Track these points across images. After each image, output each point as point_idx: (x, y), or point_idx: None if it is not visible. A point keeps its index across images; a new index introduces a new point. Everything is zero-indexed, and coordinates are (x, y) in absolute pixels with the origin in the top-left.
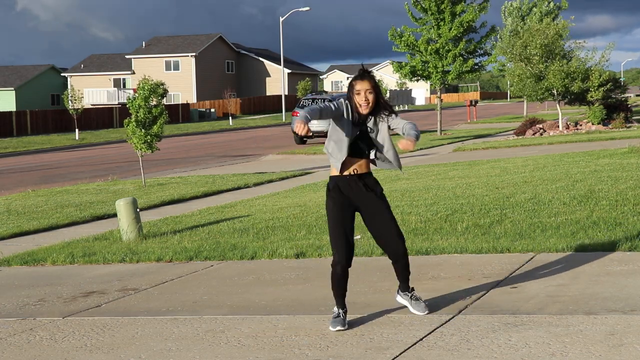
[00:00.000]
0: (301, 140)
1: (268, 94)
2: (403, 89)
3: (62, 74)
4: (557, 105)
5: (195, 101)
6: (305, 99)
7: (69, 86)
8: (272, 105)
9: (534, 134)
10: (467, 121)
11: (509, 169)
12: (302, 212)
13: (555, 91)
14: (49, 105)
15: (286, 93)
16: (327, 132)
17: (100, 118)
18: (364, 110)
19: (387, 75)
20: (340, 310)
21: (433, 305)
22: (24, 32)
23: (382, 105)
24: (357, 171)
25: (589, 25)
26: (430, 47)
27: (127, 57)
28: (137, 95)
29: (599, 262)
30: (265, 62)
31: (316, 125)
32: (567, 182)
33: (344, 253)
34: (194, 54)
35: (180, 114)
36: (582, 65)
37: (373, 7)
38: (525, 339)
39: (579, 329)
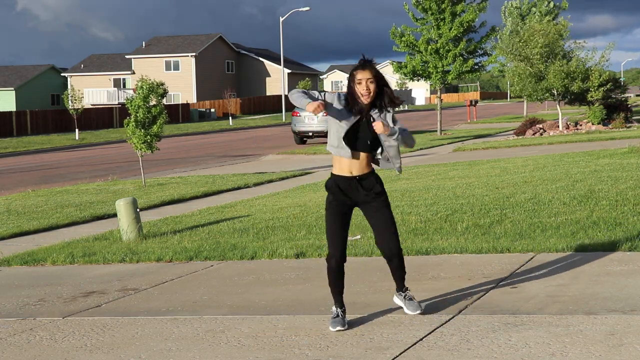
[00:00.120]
0: (301, 140)
1: (268, 94)
2: (403, 89)
3: (62, 74)
4: (557, 105)
5: (195, 101)
6: None
7: (69, 86)
8: (272, 105)
9: (534, 134)
10: (467, 121)
11: (509, 169)
12: (302, 212)
13: (555, 91)
14: (49, 105)
15: (286, 93)
16: (327, 132)
17: (100, 118)
18: (365, 99)
19: (387, 75)
20: (339, 310)
21: (433, 305)
22: (24, 32)
23: (386, 95)
24: (356, 171)
25: (589, 25)
26: (430, 47)
27: (127, 57)
28: (135, 95)
29: (599, 262)
30: (265, 62)
31: (316, 125)
32: (567, 182)
33: (337, 246)
34: (194, 54)
35: (180, 114)
36: (582, 65)
37: (373, 7)
38: (525, 339)
39: (579, 329)
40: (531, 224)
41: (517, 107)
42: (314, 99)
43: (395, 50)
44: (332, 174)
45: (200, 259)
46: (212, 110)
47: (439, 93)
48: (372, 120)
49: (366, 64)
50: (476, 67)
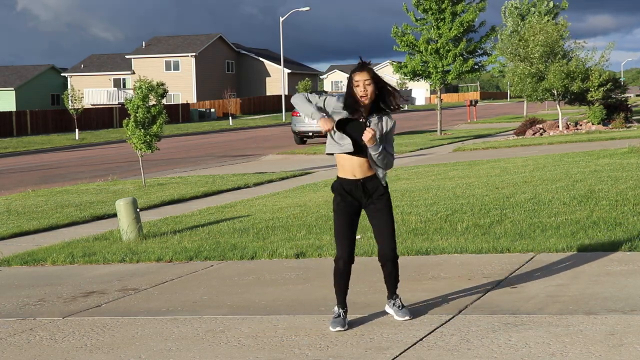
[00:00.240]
0: (301, 140)
1: (268, 94)
2: (403, 89)
3: (62, 74)
4: (557, 105)
5: (195, 101)
6: None
7: (69, 86)
8: (272, 105)
9: (534, 134)
10: (467, 121)
11: (509, 169)
12: (302, 212)
13: (555, 91)
14: (49, 105)
15: (286, 93)
16: (327, 132)
17: (100, 118)
18: (364, 100)
19: (387, 76)
20: (341, 310)
21: (433, 305)
22: (24, 32)
23: (388, 95)
24: (359, 174)
25: (589, 25)
26: (430, 47)
27: (127, 57)
28: (134, 95)
29: (599, 262)
30: (265, 62)
31: (316, 125)
32: (567, 182)
33: (345, 248)
34: (194, 54)
35: (180, 114)
36: (582, 65)
37: (373, 7)
38: (525, 339)
39: (579, 329)
40: (531, 224)
41: (517, 107)
42: (319, 108)
43: (395, 50)
44: (337, 176)
45: (200, 259)
46: (212, 110)
47: (439, 93)
48: (368, 125)
49: (363, 66)
50: (476, 67)
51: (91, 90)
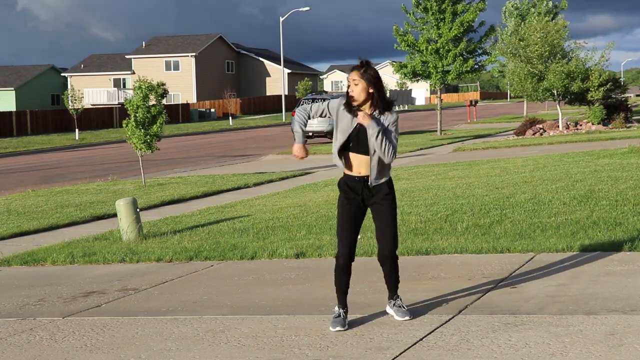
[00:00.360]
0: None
1: (268, 94)
2: (403, 89)
3: (62, 74)
4: (557, 105)
5: (195, 101)
6: (305, 99)
7: (69, 86)
8: (272, 105)
9: (534, 134)
10: (467, 121)
11: (509, 169)
12: (302, 212)
13: (555, 91)
14: (49, 105)
15: (286, 93)
16: (326, 132)
17: (100, 118)
18: (353, 102)
19: (387, 75)
20: (341, 310)
21: (433, 305)
22: (24, 32)
23: (378, 99)
24: (364, 172)
25: (589, 25)
26: (430, 47)
27: (127, 57)
28: (134, 95)
29: (599, 262)
30: (265, 62)
31: (316, 125)
32: (567, 182)
33: (346, 245)
34: (194, 54)
35: (180, 114)
36: (582, 65)
37: (373, 7)
38: (525, 339)
39: (579, 329)
40: (531, 224)
41: (517, 107)
42: (321, 114)
43: (396, 48)
44: (343, 173)
45: (200, 259)
46: (212, 110)
47: (439, 93)
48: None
49: (355, 66)
50: (476, 66)
51: (91, 90)
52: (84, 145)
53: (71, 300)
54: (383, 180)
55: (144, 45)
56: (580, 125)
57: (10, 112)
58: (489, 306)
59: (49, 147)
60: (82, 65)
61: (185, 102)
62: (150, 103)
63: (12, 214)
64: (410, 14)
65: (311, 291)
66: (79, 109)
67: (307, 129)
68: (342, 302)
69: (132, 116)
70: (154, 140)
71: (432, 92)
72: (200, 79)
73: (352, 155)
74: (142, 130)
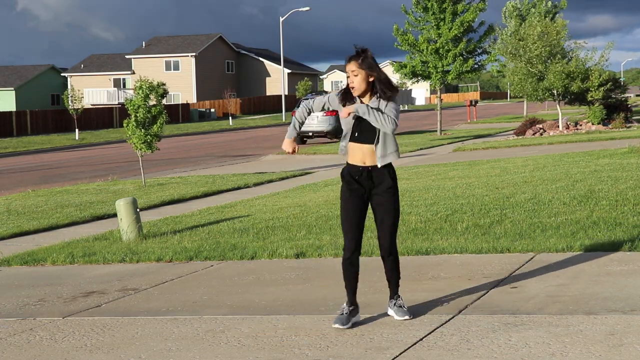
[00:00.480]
0: (301, 140)
1: (268, 94)
2: (403, 89)
3: (62, 74)
4: (557, 105)
5: (195, 101)
6: (305, 99)
7: (69, 86)
8: (272, 105)
9: (534, 134)
10: (467, 121)
11: (509, 169)
12: (302, 212)
13: (555, 91)
14: (49, 105)
15: (286, 93)
16: (326, 132)
17: (100, 118)
18: (354, 92)
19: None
20: (347, 308)
21: (433, 305)
22: (24, 32)
23: (378, 86)
24: (369, 162)
25: (589, 25)
26: (430, 47)
27: (127, 57)
28: (135, 95)
29: (599, 262)
30: (265, 62)
31: (316, 125)
32: (567, 182)
33: (350, 236)
34: (194, 54)
35: (180, 114)
36: (582, 65)
37: (373, 7)
38: (525, 339)
39: (579, 329)
40: (531, 224)
41: (517, 107)
42: (323, 107)
43: (396, 47)
44: (347, 162)
45: (200, 259)
46: (212, 110)
47: (439, 93)
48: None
49: (352, 56)
50: (476, 66)
51: (91, 90)
52: (84, 145)
53: (71, 300)
54: (388, 157)
55: (144, 45)
56: (580, 125)
57: (10, 112)
58: (489, 306)
59: (49, 147)
60: (82, 65)
61: (185, 102)
62: (151, 103)
63: (12, 214)
64: (410, 14)
65: (311, 291)
66: (79, 109)
67: (308, 129)
68: (349, 300)
69: (132, 116)
70: (154, 140)
71: (432, 92)
72: (200, 79)
73: (357, 145)
74: (143, 130)
